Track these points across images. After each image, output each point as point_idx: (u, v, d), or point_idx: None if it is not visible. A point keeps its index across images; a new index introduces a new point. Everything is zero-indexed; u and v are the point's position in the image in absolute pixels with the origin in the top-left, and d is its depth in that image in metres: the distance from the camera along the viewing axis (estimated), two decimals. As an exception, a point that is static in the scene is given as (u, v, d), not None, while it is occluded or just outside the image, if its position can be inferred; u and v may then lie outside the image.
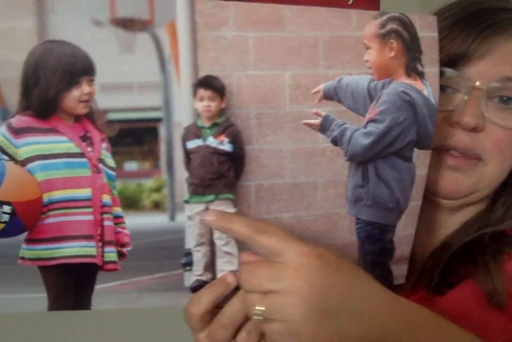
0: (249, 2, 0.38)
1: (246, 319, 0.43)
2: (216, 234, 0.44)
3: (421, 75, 0.45)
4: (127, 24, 0.36)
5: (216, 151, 0.41)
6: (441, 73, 0.50)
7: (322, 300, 0.33)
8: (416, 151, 0.48)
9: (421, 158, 0.48)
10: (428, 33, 0.44)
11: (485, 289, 0.49)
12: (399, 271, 0.52)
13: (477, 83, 0.50)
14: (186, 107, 0.40)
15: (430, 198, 0.54)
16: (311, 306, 0.33)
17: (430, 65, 0.45)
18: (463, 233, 0.55)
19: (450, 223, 0.57)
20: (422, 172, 0.49)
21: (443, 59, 0.50)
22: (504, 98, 0.50)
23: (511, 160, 0.53)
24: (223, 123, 0.41)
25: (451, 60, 0.50)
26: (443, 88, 0.51)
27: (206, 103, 0.40)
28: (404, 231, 0.51)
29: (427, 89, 0.46)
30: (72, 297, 0.43)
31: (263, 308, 0.34)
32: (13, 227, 0.39)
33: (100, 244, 0.41)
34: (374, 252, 0.51)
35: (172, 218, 0.42)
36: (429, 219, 0.58)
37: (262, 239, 0.35)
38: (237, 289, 0.43)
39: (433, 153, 0.53)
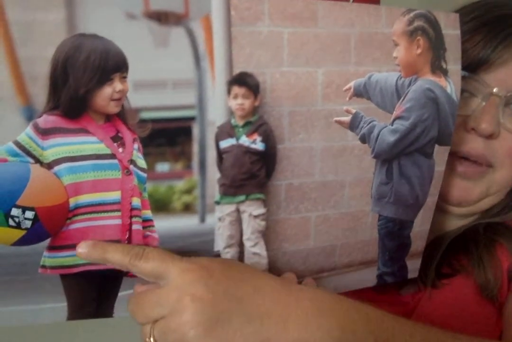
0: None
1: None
2: (246, 235, 0.46)
3: (445, 72, 0.49)
4: (161, 17, 0.37)
5: (249, 151, 0.43)
6: (462, 77, 0.54)
7: (211, 310, 0.33)
8: (436, 147, 0.51)
9: (440, 155, 0.52)
10: (451, 30, 0.48)
11: (478, 282, 0.53)
12: (413, 265, 0.57)
13: (495, 89, 0.53)
14: (220, 105, 0.41)
15: (440, 204, 0.58)
16: (201, 319, 0.32)
17: (453, 63, 0.49)
18: (459, 225, 0.60)
19: (461, 229, 0.61)
20: (440, 168, 0.53)
21: (464, 62, 0.53)
22: None
23: None
24: (256, 121, 0.43)
25: (472, 64, 0.53)
26: (462, 93, 0.54)
27: (240, 101, 0.41)
28: (421, 226, 0.56)
29: (450, 86, 0.49)
30: (94, 305, 0.43)
31: (152, 339, 0.34)
32: (36, 233, 0.39)
33: (127, 249, 0.42)
34: (393, 247, 0.55)
35: (202, 220, 0.43)
36: (438, 225, 0.61)
37: (142, 264, 0.35)
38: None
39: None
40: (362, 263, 0.54)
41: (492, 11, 0.56)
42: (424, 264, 0.56)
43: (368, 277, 0.54)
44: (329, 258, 0.51)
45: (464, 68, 0.53)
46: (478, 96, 0.54)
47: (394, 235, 0.54)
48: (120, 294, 0.43)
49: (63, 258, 0.41)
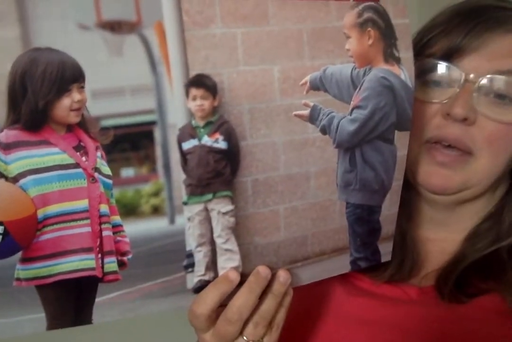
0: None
1: (252, 312, 0.51)
2: (216, 233, 0.51)
3: (397, 60, 0.54)
4: (114, 27, 0.40)
5: (212, 150, 0.47)
6: (435, 67, 0.58)
7: None
8: (396, 133, 0.57)
9: (401, 140, 0.58)
10: (400, 20, 0.53)
11: (511, 305, 0.56)
12: (385, 248, 0.63)
13: (470, 76, 0.57)
14: (179, 108, 0.45)
15: (424, 193, 0.63)
16: None
17: (405, 51, 0.54)
18: (478, 244, 0.62)
19: (450, 221, 0.66)
20: (402, 153, 0.59)
21: (438, 53, 0.58)
22: (499, 94, 0.58)
23: (504, 155, 0.61)
24: (217, 121, 0.47)
25: (445, 53, 0.58)
26: (437, 83, 0.59)
27: (199, 102, 0.46)
28: (389, 210, 0.62)
29: (403, 73, 0.55)
30: (73, 313, 0.47)
31: None
32: (7, 247, 0.42)
33: (99, 256, 0.46)
34: (363, 233, 0.60)
35: (172, 221, 0.48)
36: (426, 215, 0.66)
37: None
38: (240, 284, 0.50)
39: (423, 148, 0.62)
40: (335, 250, 0.60)
41: (465, 4, 0.61)
42: (444, 280, 0.60)
43: (342, 264, 0.60)
44: (301, 248, 0.56)
45: (438, 58, 0.59)
46: (454, 85, 0.59)
47: (363, 220, 0.60)
48: (97, 300, 0.47)
49: (37, 269, 0.44)
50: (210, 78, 0.45)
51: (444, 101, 0.59)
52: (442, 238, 0.66)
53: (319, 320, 0.64)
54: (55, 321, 0.47)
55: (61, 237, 0.44)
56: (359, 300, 0.63)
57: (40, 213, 0.43)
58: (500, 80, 0.58)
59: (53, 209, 0.43)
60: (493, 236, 0.63)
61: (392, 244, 0.63)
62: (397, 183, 0.60)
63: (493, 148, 0.59)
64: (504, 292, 0.58)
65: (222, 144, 0.48)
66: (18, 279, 0.44)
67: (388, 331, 0.60)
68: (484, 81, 0.58)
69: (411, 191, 0.66)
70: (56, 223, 0.44)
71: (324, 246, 0.58)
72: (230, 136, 0.48)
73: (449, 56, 0.58)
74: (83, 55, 0.40)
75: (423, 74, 0.59)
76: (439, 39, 0.58)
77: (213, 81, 0.46)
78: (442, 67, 0.59)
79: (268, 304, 0.52)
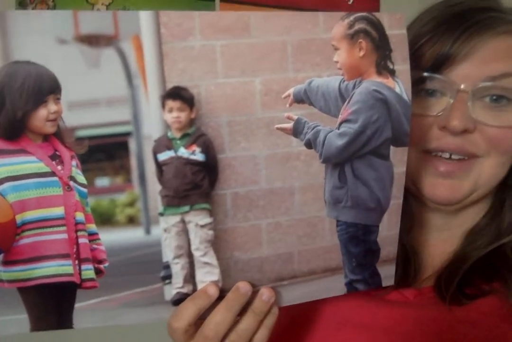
0: (216, 12, 0.46)
1: (230, 329, 0.53)
2: (194, 245, 0.53)
3: (392, 73, 0.55)
4: (92, 40, 0.45)
5: (189, 162, 0.51)
6: (427, 78, 0.60)
7: None
8: (392, 149, 0.58)
9: (398, 156, 0.58)
10: (396, 30, 0.54)
11: None
12: (387, 272, 0.63)
13: (462, 86, 0.58)
14: (155, 120, 0.48)
15: (429, 204, 0.64)
16: None
17: (401, 63, 0.55)
18: (477, 242, 0.64)
19: (451, 225, 0.67)
20: (401, 170, 0.59)
21: (427, 64, 0.59)
22: (494, 97, 0.59)
23: (508, 156, 0.62)
24: (194, 133, 0.50)
25: (435, 64, 0.59)
26: (431, 93, 0.61)
27: (175, 114, 0.49)
28: (388, 231, 0.62)
29: (399, 86, 0.56)
30: (54, 317, 0.51)
31: None
32: (-13, 250, 0.47)
33: (76, 262, 0.50)
34: (359, 254, 0.61)
35: (148, 231, 0.51)
36: (429, 222, 0.68)
37: None
38: (219, 299, 0.52)
39: (423, 158, 0.63)
40: (326, 270, 0.61)
41: (449, 9, 0.61)
42: (445, 282, 0.61)
43: (335, 285, 0.61)
44: (286, 265, 0.58)
45: (429, 69, 0.59)
46: (447, 95, 0.60)
47: (358, 240, 0.61)
48: (77, 305, 0.51)
49: (17, 272, 0.49)
50: (187, 90, 0.49)
51: (439, 114, 0.60)
52: (444, 240, 0.67)
53: (314, 324, 0.65)
54: (38, 323, 0.51)
55: (39, 242, 0.49)
56: (355, 302, 0.63)
57: (19, 218, 0.47)
58: (493, 86, 0.58)
59: (31, 215, 0.48)
60: (493, 232, 0.64)
61: (394, 267, 0.63)
62: (396, 202, 0.60)
63: (497, 150, 0.60)
64: (508, 291, 0.58)
65: (199, 156, 0.51)
66: (1, 281, 0.49)
67: (384, 334, 0.60)
68: (477, 88, 0.58)
69: (411, 198, 0.66)
70: (34, 229, 0.48)
71: (313, 265, 0.60)
72: (208, 149, 0.51)
73: (439, 66, 0.59)
74: (61, 68, 0.44)
75: (414, 86, 0.59)
76: (427, 50, 0.59)
77: (190, 94, 0.49)
78: (432, 79, 0.60)
79: (247, 322, 0.54)
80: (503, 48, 0.59)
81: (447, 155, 0.61)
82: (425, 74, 0.59)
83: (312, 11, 1.23)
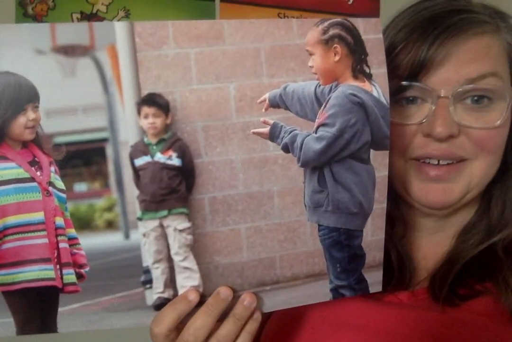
0: (190, 20, 0.51)
1: (210, 334, 0.56)
2: (173, 250, 0.57)
3: (369, 76, 0.59)
4: (68, 50, 0.49)
5: (165, 167, 0.54)
6: (406, 87, 0.62)
7: None
8: (373, 152, 0.61)
9: (379, 160, 0.61)
10: (372, 35, 0.58)
11: (507, 305, 0.60)
12: (374, 278, 0.65)
13: (442, 91, 0.61)
14: (131, 126, 0.52)
15: (421, 209, 0.66)
16: None
17: (378, 66, 0.58)
18: (469, 241, 0.67)
19: (444, 227, 0.70)
20: (382, 173, 0.62)
21: (404, 72, 0.62)
22: (475, 97, 0.62)
23: (497, 156, 0.65)
24: (169, 138, 0.54)
25: (412, 72, 0.62)
26: (413, 100, 0.63)
27: (151, 120, 0.53)
28: (373, 236, 0.64)
29: (376, 90, 0.59)
30: (38, 321, 0.55)
31: None
32: (-31, 255, 0.51)
33: (58, 267, 0.54)
34: (344, 259, 0.64)
35: (127, 236, 0.55)
36: (421, 227, 0.70)
37: None
38: (199, 305, 0.56)
39: (411, 165, 0.66)
40: (310, 275, 0.64)
41: (420, 15, 0.64)
42: (439, 283, 0.64)
43: (320, 291, 0.63)
44: (268, 270, 0.61)
45: (406, 77, 0.62)
46: (428, 101, 0.63)
47: (342, 245, 0.63)
48: (60, 309, 0.55)
49: (1, 276, 0.53)
50: (162, 96, 0.53)
51: (423, 121, 0.62)
52: (437, 242, 0.70)
53: (307, 325, 0.67)
54: (23, 327, 0.55)
55: (22, 246, 0.53)
56: (348, 304, 0.66)
57: (0, 224, 0.52)
58: (472, 88, 0.61)
59: (12, 220, 0.52)
60: (483, 230, 0.66)
61: (381, 272, 0.65)
62: (379, 206, 0.63)
63: (485, 151, 0.63)
64: (500, 290, 0.60)
65: (175, 161, 0.54)
66: (-14, 284, 0.53)
67: (378, 335, 0.63)
68: (457, 93, 0.61)
69: (403, 205, 0.69)
70: (16, 233, 0.52)
71: (296, 270, 0.62)
72: (184, 153, 0.54)
73: (416, 74, 0.62)
74: (39, 77, 0.49)
75: (394, 95, 0.62)
76: (403, 58, 0.62)
77: (165, 100, 0.53)
78: (411, 87, 0.62)
79: (228, 328, 0.56)
80: (478, 49, 0.61)
81: (435, 161, 0.64)
82: (404, 83, 0.62)
83: (313, 11, 1.28)
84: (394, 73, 0.61)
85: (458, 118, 0.62)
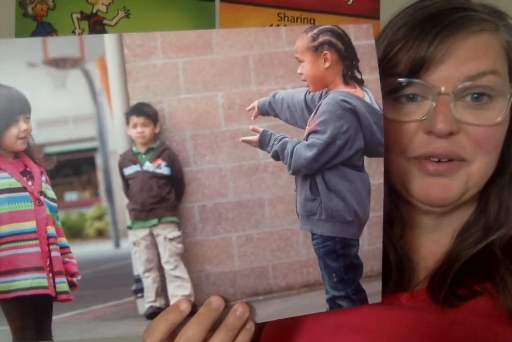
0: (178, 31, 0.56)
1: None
2: (164, 259, 0.61)
3: (360, 82, 0.63)
4: (59, 63, 0.54)
5: (155, 176, 0.59)
6: (406, 84, 0.66)
7: None
8: (367, 160, 0.64)
9: (373, 167, 0.65)
10: (364, 41, 0.62)
11: (506, 306, 0.64)
12: (372, 288, 0.68)
13: (442, 88, 0.65)
14: (120, 135, 0.57)
15: (420, 207, 0.70)
16: None
17: (369, 72, 0.62)
18: (468, 240, 0.71)
19: (443, 225, 0.74)
20: (377, 181, 0.65)
21: (405, 69, 0.66)
22: (475, 95, 0.66)
23: (495, 154, 0.69)
24: (158, 147, 0.59)
25: (412, 69, 0.66)
26: (413, 97, 0.68)
27: (139, 129, 0.58)
28: (370, 245, 0.68)
29: (368, 95, 0.63)
30: (33, 329, 0.60)
31: None
32: (-36, 263, 0.57)
33: (50, 275, 0.59)
34: (339, 268, 0.67)
35: (117, 245, 0.59)
36: (420, 225, 0.75)
37: None
38: (191, 314, 0.60)
39: (412, 162, 0.69)
40: (304, 285, 0.67)
41: (419, 13, 0.68)
42: (438, 283, 0.67)
43: (315, 301, 0.67)
44: (261, 280, 0.64)
45: (407, 74, 0.66)
46: (429, 98, 0.67)
47: (337, 254, 0.67)
48: (54, 318, 0.60)
49: (-3, 284, 0.58)
50: (150, 106, 0.57)
51: (423, 118, 0.66)
52: (436, 241, 0.74)
53: (305, 327, 0.71)
54: (19, 335, 0.60)
55: (15, 255, 0.58)
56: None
57: (-6, 232, 0.57)
58: (472, 85, 0.65)
59: (5, 229, 0.57)
60: (481, 229, 0.70)
61: (380, 283, 0.68)
62: (376, 214, 0.66)
63: (483, 151, 0.67)
64: (498, 291, 0.64)
65: (164, 170, 0.59)
66: (-18, 293, 0.58)
67: (378, 336, 0.67)
68: (457, 90, 0.65)
69: (402, 203, 0.73)
70: (9, 242, 0.57)
71: (290, 280, 0.66)
72: (173, 162, 0.59)
73: (417, 71, 0.66)
74: (30, 89, 0.54)
75: (393, 93, 0.66)
76: (403, 56, 0.66)
77: (154, 109, 0.58)
78: (412, 84, 0.66)
79: (220, 338, 0.60)
80: (477, 47, 0.66)
81: (436, 159, 0.68)
82: (404, 79, 0.66)
83: (313, 11, 1.33)
84: (393, 70, 0.66)
85: (458, 115, 0.66)
